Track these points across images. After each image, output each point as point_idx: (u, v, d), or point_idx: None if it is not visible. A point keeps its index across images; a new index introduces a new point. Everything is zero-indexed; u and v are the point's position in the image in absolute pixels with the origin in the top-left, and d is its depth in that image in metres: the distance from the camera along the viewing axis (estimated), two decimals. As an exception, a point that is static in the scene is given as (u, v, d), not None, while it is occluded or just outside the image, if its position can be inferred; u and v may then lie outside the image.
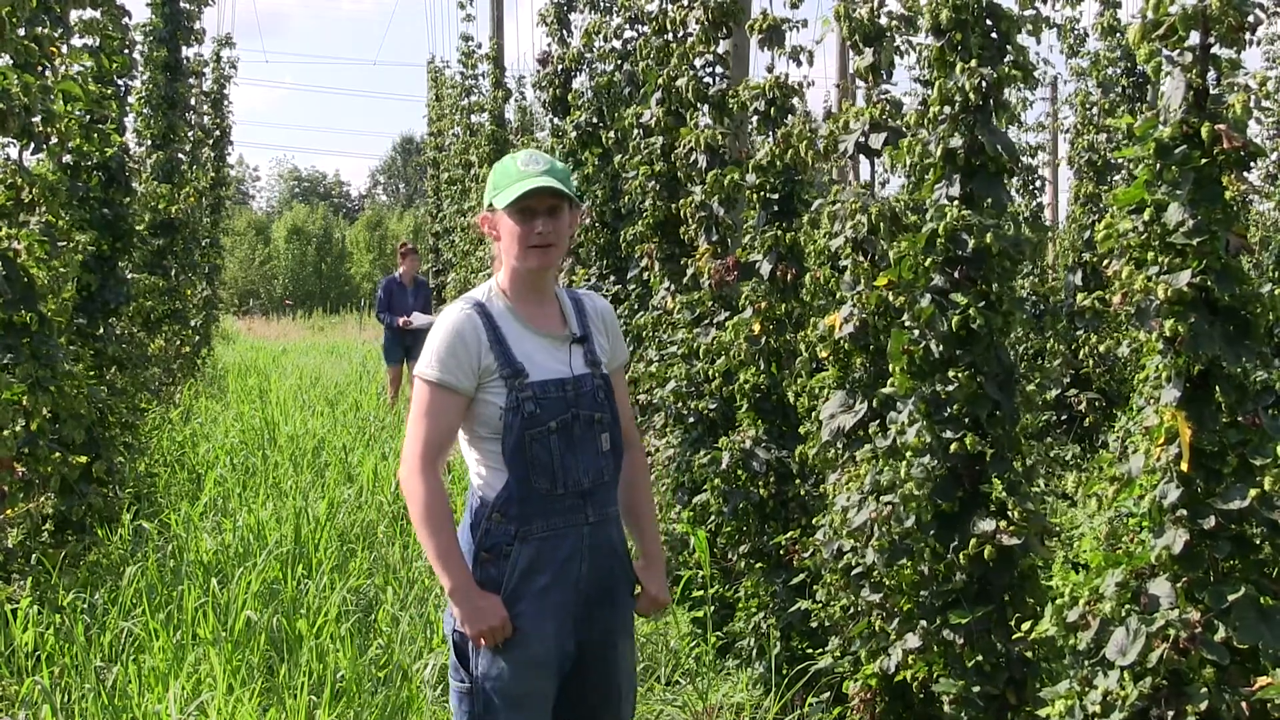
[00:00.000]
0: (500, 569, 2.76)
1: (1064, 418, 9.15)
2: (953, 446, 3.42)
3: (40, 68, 5.26)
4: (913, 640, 3.48)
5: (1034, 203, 11.57)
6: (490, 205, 2.84)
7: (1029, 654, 3.39)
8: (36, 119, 5.08)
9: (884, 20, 4.12)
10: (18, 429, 4.93)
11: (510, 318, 2.82)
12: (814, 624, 4.25)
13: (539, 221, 2.78)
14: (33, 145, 5.28)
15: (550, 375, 2.79)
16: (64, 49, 5.57)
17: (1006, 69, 3.51)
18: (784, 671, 4.42)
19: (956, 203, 3.53)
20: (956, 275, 3.53)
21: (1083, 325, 9.28)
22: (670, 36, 6.21)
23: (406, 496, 2.76)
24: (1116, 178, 9.53)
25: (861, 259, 4.06)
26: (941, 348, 3.49)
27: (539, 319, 2.86)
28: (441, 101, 18.36)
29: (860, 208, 4.03)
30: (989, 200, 3.54)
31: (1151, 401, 2.88)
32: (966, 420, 3.47)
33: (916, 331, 3.53)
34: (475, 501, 2.84)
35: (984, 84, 3.48)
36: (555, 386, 2.78)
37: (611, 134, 7.77)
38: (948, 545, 3.46)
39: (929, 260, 3.52)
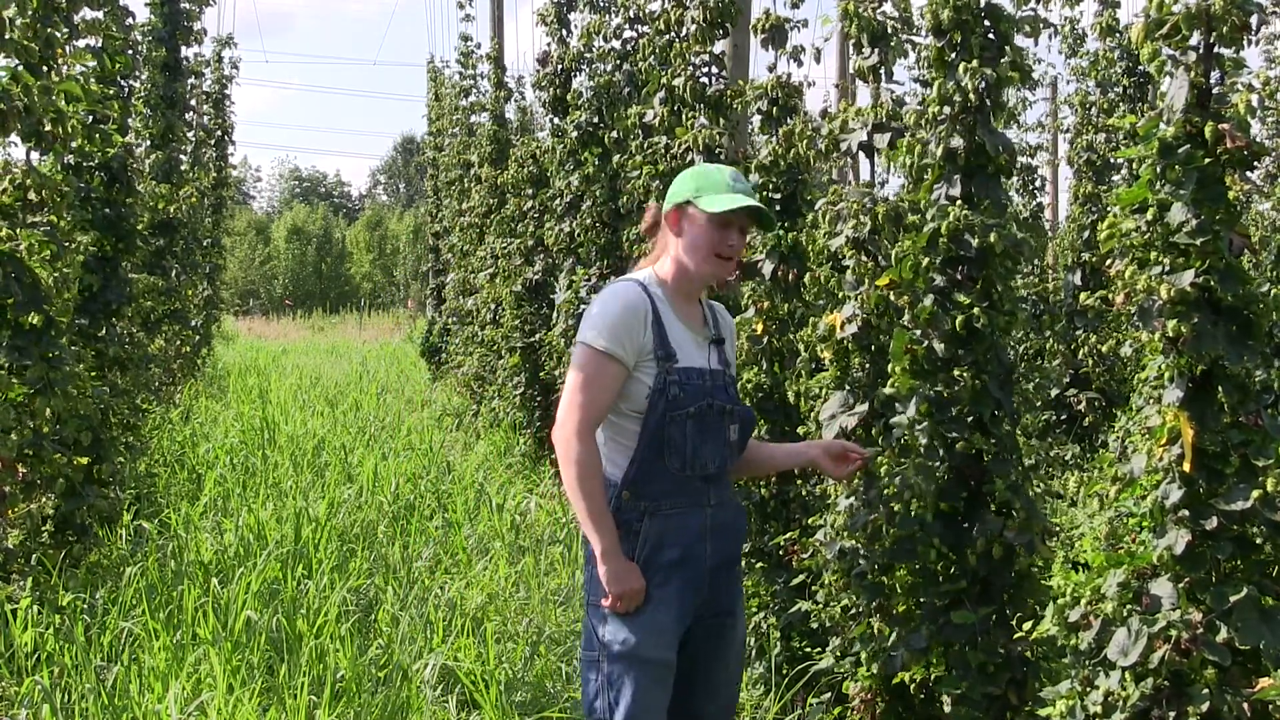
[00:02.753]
0: (630, 545, 2.90)
1: (1064, 418, 9.15)
2: (958, 445, 3.43)
3: (46, 68, 5.24)
4: (916, 640, 3.49)
5: (1034, 203, 11.56)
6: (687, 202, 3.01)
7: (1029, 654, 3.39)
8: (45, 120, 5.07)
9: (881, 20, 4.10)
10: (24, 430, 4.92)
11: (667, 306, 2.99)
12: (814, 624, 4.24)
13: (733, 235, 3.01)
14: (39, 146, 5.27)
15: (694, 364, 2.97)
16: (68, 49, 5.55)
17: (1005, 69, 3.51)
18: (784, 671, 4.42)
19: (958, 203, 3.53)
20: (958, 275, 3.53)
21: (1083, 325, 9.28)
22: (672, 36, 6.20)
23: (562, 459, 2.87)
24: (1116, 178, 9.53)
25: (864, 259, 4.05)
26: (944, 347, 3.49)
27: (686, 314, 3.05)
28: (441, 101, 18.32)
29: (863, 207, 4.02)
30: (988, 200, 3.54)
31: (1153, 402, 2.87)
32: (970, 420, 3.48)
33: (919, 331, 3.54)
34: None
35: (984, 84, 3.48)
36: (697, 375, 2.97)
37: (612, 134, 7.76)
38: (952, 545, 3.47)
39: (930, 260, 3.52)
